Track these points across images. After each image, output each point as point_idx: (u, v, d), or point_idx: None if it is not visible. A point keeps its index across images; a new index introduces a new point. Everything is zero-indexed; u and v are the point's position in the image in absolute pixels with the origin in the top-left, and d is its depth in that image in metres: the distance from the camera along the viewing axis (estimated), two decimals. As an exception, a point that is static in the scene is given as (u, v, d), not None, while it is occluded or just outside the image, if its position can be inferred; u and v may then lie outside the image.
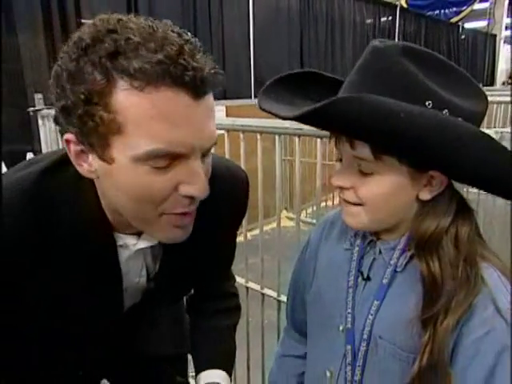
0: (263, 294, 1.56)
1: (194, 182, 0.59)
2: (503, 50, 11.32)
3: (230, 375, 0.97)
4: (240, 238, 0.99)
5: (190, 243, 0.68)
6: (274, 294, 1.53)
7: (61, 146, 2.30)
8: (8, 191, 0.64)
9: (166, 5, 3.78)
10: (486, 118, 0.63)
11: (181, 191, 0.60)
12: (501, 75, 11.47)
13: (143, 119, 0.53)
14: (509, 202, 0.88)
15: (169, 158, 0.57)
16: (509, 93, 5.39)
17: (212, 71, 0.56)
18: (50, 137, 2.35)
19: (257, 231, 1.96)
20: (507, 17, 10.77)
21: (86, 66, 0.53)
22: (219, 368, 0.94)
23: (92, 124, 0.54)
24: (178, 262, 0.77)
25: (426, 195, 0.62)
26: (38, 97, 2.34)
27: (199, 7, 4.10)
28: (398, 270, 0.66)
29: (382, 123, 0.52)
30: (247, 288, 1.60)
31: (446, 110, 0.56)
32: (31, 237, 0.63)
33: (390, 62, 0.57)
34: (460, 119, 0.56)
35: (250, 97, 4.62)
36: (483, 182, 0.57)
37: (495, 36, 11.02)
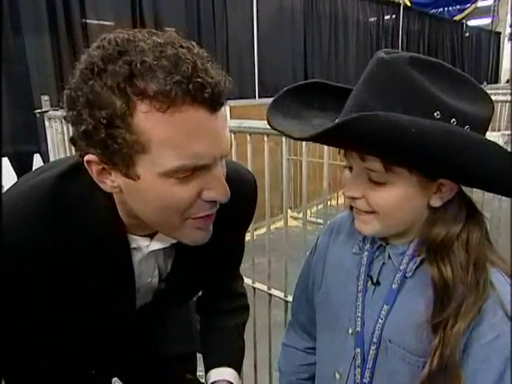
0: (270, 295, 1.57)
1: (216, 188, 0.62)
2: (507, 48, 11.22)
3: (239, 373, 0.99)
4: (246, 238, 1.00)
5: (202, 245, 0.70)
6: (281, 295, 1.53)
7: (67, 147, 2.32)
8: (20, 200, 0.65)
9: (170, 6, 3.77)
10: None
11: (204, 197, 0.62)
12: (505, 73, 11.38)
13: (167, 137, 0.55)
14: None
15: (192, 169, 0.59)
16: (513, 91, 5.36)
17: (226, 83, 0.58)
18: (56, 138, 2.37)
19: (261, 230, 1.97)
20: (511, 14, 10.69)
21: (102, 91, 0.54)
22: (229, 366, 0.96)
23: (116, 146, 0.56)
24: (190, 263, 0.79)
25: (436, 202, 0.63)
26: (45, 98, 2.36)
27: (203, 8, 4.10)
28: (408, 275, 0.67)
29: (394, 141, 0.53)
30: (254, 288, 1.60)
31: (454, 119, 0.57)
32: (46, 244, 0.64)
33: (398, 72, 0.57)
34: (467, 127, 0.58)
35: (254, 97, 4.61)
36: (488, 184, 0.59)
37: (499, 33, 10.92)
